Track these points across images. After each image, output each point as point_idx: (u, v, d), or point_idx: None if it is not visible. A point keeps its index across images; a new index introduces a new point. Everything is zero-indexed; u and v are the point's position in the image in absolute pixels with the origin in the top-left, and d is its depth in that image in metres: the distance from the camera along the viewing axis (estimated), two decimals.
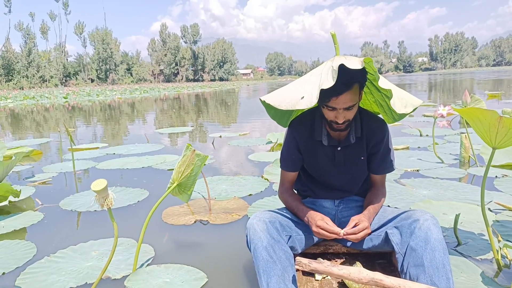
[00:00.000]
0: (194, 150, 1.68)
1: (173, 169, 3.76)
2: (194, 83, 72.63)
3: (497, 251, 1.68)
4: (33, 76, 66.45)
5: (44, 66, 69.70)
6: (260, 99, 1.41)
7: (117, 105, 16.92)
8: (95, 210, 2.63)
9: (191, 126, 7.83)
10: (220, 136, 5.96)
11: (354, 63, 1.26)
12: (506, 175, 3.05)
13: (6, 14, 74.22)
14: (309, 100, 1.24)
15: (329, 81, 1.23)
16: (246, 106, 15.47)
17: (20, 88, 57.99)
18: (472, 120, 1.51)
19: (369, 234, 1.52)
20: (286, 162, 1.69)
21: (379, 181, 1.67)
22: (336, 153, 1.59)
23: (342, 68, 1.25)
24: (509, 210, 2.28)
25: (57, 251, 1.97)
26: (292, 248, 1.52)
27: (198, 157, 1.69)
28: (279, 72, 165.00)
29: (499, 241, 1.79)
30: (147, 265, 1.81)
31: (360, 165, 1.62)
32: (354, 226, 1.44)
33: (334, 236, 1.43)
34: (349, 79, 1.33)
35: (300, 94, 1.29)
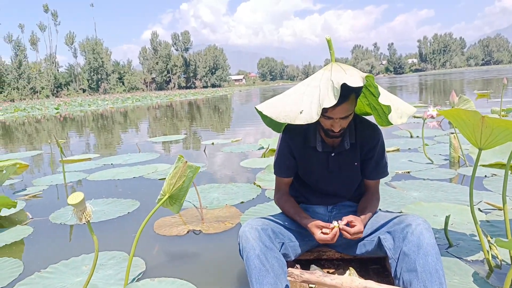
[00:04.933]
0: (186, 161, 1.67)
1: (164, 179, 3.74)
2: (186, 90, 72.58)
3: (488, 251, 1.69)
4: (24, 88, 65.97)
5: (35, 78, 69.25)
6: (255, 108, 1.41)
7: (109, 115, 16.84)
8: (85, 223, 2.60)
9: (184, 134, 7.81)
10: (213, 143, 5.95)
11: (356, 80, 1.25)
12: (495, 174, 3.07)
13: None
14: (310, 116, 1.24)
15: (330, 100, 1.23)
16: (239, 112, 15.49)
17: (11, 100, 57.51)
18: (456, 122, 1.52)
19: (362, 238, 1.53)
20: (280, 168, 1.69)
21: (373, 186, 1.67)
22: (330, 159, 1.59)
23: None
24: (499, 209, 2.29)
25: (48, 266, 1.95)
26: (285, 255, 1.52)
27: (190, 168, 1.68)
28: (271, 77, 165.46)
29: (488, 241, 1.80)
30: (137, 279, 1.78)
31: (354, 171, 1.63)
32: (347, 224, 1.45)
33: (336, 237, 1.43)
34: (347, 91, 1.32)
35: (299, 107, 1.28)
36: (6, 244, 2.33)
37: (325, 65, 1.46)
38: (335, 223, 1.44)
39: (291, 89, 1.45)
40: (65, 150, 6.48)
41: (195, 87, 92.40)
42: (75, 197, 1.36)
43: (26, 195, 3.47)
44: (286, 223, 1.61)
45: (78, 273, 1.88)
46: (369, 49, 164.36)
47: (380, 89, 1.36)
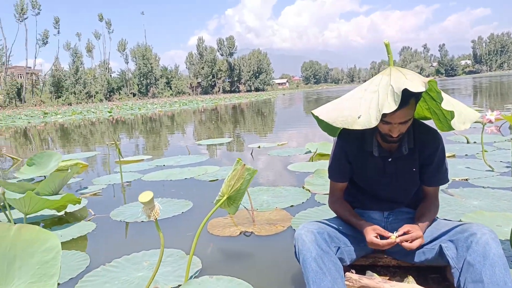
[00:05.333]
0: (244, 164, 1.72)
1: (214, 180, 3.84)
2: (230, 94, 73.78)
3: None
4: (80, 92, 70.33)
5: (90, 83, 73.58)
6: (312, 112, 1.43)
7: (158, 118, 17.51)
8: (142, 221, 2.74)
9: (230, 137, 7.95)
10: (259, 147, 6.01)
11: (417, 85, 1.24)
12: None
13: (55, 35, 79.28)
14: (368, 121, 1.24)
15: (390, 105, 1.22)
16: (282, 115, 15.52)
17: (68, 104, 61.53)
18: None
19: (421, 246, 1.49)
20: (334, 173, 1.69)
21: (432, 193, 1.63)
22: (386, 164, 1.57)
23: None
24: None
25: (112, 260, 2.07)
26: (340, 259, 1.51)
27: (248, 171, 1.73)
28: (315, 80, 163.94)
29: None
30: (195, 276, 1.85)
31: (412, 176, 1.59)
32: (404, 234, 1.43)
33: (388, 246, 1.42)
34: (407, 96, 1.30)
35: (357, 112, 1.28)
36: (73, 238, 2.51)
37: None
38: (393, 235, 1.42)
39: (348, 94, 1.45)
40: (115, 152, 6.82)
41: (239, 91, 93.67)
42: (146, 196, 1.44)
43: (87, 193, 3.71)
44: (342, 228, 1.61)
45: (140, 268, 1.98)
46: (418, 51, 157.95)
47: (443, 94, 1.32)
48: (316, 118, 1.48)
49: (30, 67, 70.13)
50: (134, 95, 79.76)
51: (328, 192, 2.94)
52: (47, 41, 70.45)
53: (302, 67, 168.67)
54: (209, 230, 2.45)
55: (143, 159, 5.58)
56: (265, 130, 9.31)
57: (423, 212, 1.58)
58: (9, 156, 6.42)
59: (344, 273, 1.43)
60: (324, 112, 1.41)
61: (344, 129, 1.67)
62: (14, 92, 60.57)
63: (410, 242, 1.41)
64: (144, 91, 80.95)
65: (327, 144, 4.98)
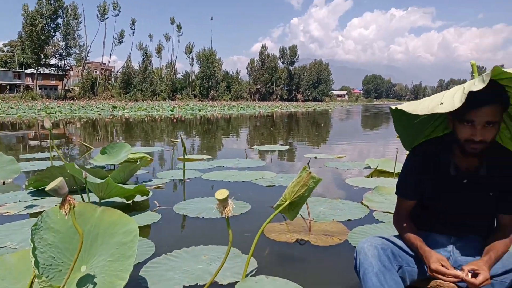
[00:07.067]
0: (310, 172, 1.76)
1: (271, 186, 3.90)
2: (287, 102, 74.01)
3: None
4: (146, 90, 74.40)
5: (156, 82, 77.60)
6: (390, 108, 1.44)
7: (216, 120, 18.04)
8: (203, 217, 2.87)
9: (283, 145, 8.00)
10: (315, 157, 5.99)
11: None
12: None
13: (130, 35, 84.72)
14: (451, 105, 1.16)
15: (478, 84, 1.14)
16: (339, 128, 15.28)
17: (134, 100, 65.30)
18: None
19: (491, 277, 1.42)
20: (403, 190, 1.65)
21: (508, 223, 1.53)
22: (461, 186, 1.51)
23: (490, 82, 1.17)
24: None
25: (173, 251, 2.20)
26: (401, 279, 1.49)
27: (313, 179, 1.77)
28: (376, 94, 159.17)
29: None
30: (251, 275, 1.92)
31: (487, 202, 1.51)
32: (471, 271, 1.35)
33: (454, 280, 1.35)
34: (493, 94, 1.28)
35: (439, 100, 1.23)
36: (140, 226, 2.69)
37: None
38: (459, 272, 1.34)
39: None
40: (176, 149, 7.15)
41: (296, 100, 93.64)
42: (222, 194, 1.53)
43: (151, 185, 3.94)
44: (406, 247, 1.58)
45: (198, 261, 2.09)
46: None
47: None
48: (394, 112, 1.46)
49: (105, 63, 75.63)
50: (195, 96, 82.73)
51: (387, 210, 2.90)
52: (122, 40, 75.47)
53: (364, 80, 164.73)
54: (265, 233, 2.51)
55: (203, 159, 5.80)
56: (319, 141, 9.24)
57: (495, 244, 1.48)
58: (85, 144, 6.99)
59: None
60: (404, 105, 1.38)
61: (419, 144, 1.64)
62: (88, 85, 65.65)
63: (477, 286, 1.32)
64: (205, 93, 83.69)
65: (389, 162, 4.85)
